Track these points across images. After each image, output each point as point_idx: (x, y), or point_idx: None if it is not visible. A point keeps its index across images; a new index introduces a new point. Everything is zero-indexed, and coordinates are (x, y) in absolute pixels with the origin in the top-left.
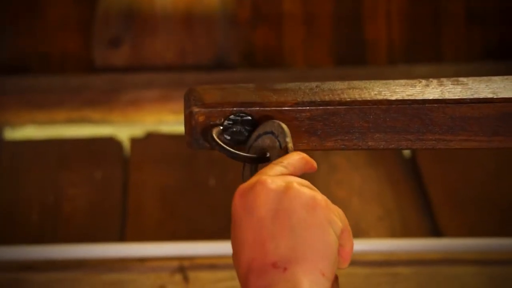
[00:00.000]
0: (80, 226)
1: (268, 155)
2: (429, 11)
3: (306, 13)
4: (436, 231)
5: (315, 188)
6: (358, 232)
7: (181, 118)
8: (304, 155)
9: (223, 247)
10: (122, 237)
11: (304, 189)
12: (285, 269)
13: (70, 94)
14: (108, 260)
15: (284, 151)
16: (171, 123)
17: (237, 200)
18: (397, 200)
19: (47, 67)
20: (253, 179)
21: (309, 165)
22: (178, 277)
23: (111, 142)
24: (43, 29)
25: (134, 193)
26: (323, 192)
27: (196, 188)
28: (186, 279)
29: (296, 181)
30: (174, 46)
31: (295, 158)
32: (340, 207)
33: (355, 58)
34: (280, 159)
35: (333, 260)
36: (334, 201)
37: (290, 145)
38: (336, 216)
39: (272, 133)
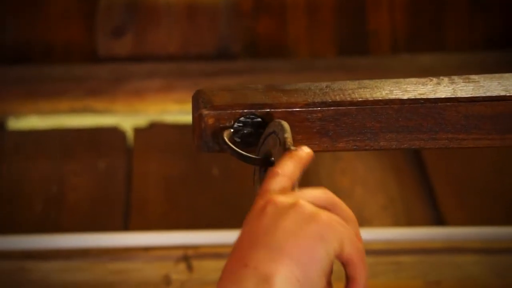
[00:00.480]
0: (84, 215)
1: (272, 158)
2: (432, 1)
3: (309, 3)
4: (439, 220)
5: (329, 203)
6: (362, 221)
7: (185, 108)
8: (295, 152)
9: (226, 236)
10: (126, 227)
11: (307, 206)
12: (255, 267)
13: (74, 83)
14: (113, 249)
15: (283, 147)
16: (175, 112)
17: (247, 221)
18: (400, 189)
19: (50, 57)
20: (261, 200)
21: (305, 159)
22: (182, 265)
23: (114, 132)
24: (46, 19)
25: (137, 182)
26: (326, 180)
27: (200, 178)
28: (190, 267)
29: (303, 197)
30: (177, 36)
31: (288, 163)
32: (343, 196)
33: (358, 48)
34: (275, 168)
35: (314, 275)
36: (338, 190)
37: (289, 140)
38: (336, 239)
39: (274, 132)
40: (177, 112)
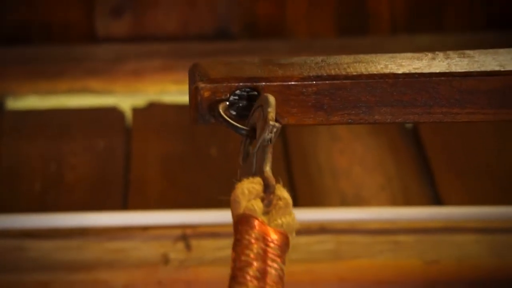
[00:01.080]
0: (83, 195)
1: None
2: None
3: None
4: (437, 200)
5: None
6: (360, 201)
7: (184, 88)
8: None
9: (225, 216)
10: (124, 206)
11: None
12: None
13: (72, 64)
14: (111, 229)
15: (264, 120)
16: (173, 93)
17: None
18: (398, 169)
19: (49, 37)
20: None
21: None
22: (180, 245)
23: (113, 112)
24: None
25: (136, 162)
26: (325, 161)
27: (198, 157)
28: (188, 247)
29: None
30: (176, 16)
31: None
32: (342, 176)
33: (358, 28)
34: None
35: None
36: (336, 170)
37: (271, 115)
38: None
39: (261, 106)
40: (176, 92)
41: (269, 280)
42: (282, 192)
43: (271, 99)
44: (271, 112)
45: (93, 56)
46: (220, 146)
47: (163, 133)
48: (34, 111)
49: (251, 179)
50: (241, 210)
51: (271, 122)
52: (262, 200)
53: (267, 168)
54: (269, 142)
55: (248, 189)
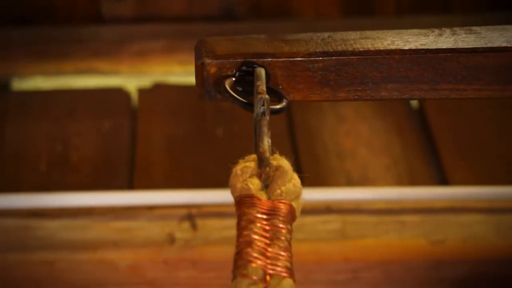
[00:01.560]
0: (89, 175)
1: None
2: None
3: None
4: (443, 180)
5: None
6: (366, 182)
7: (189, 69)
8: None
9: (230, 196)
10: (130, 186)
11: None
12: None
13: (78, 45)
14: (117, 208)
15: (256, 94)
16: (179, 74)
17: None
18: (404, 150)
19: (54, 18)
20: None
21: None
22: (186, 224)
23: (119, 93)
24: None
25: (142, 143)
26: (331, 142)
27: (204, 138)
28: (194, 226)
29: None
30: None
31: None
32: (348, 157)
33: (364, 9)
34: None
35: None
36: (342, 151)
37: (260, 87)
38: None
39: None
40: (181, 73)
41: (274, 253)
42: (279, 161)
43: (261, 72)
44: (260, 85)
45: (98, 37)
46: (226, 127)
47: (169, 113)
48: (40, 91)
49: (245, 158)
50: (237, 193)
51: (259, 96)
52: (260, 175)
53: (263, 143)
54: (263, 116)
55: (242, 170)
